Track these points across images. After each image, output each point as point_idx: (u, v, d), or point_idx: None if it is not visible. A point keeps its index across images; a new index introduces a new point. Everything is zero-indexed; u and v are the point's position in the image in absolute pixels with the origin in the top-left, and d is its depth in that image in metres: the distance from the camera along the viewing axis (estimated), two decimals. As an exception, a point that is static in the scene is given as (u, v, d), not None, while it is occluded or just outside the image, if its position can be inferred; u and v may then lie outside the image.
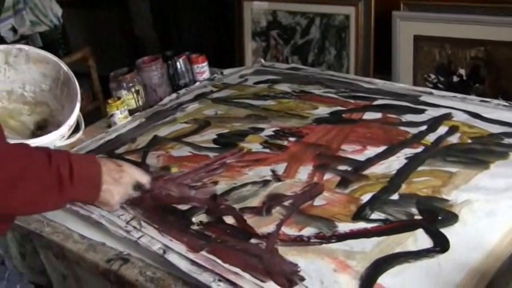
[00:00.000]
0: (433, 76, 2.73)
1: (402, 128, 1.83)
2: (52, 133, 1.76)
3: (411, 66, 2.79)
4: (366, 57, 2.92)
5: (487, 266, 1.20)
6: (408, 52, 2.77)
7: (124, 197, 1.40)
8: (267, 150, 1.82)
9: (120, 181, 1.37)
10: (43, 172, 1.17)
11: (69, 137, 1.87)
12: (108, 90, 2.38)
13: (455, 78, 2.66)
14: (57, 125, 1.81)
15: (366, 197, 1.50)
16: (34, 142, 1.65)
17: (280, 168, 1.70)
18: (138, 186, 1.44)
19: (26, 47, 1.88)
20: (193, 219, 1.51)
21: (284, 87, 2.34)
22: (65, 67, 1.89)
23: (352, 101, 2.10)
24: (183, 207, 1.58)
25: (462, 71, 2.64)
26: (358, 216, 1.43)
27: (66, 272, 1.59)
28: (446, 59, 2.67)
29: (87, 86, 3.74)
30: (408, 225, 1.37)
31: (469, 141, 1.70)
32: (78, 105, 1.83)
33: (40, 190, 1.17)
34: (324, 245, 1.35)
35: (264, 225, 1.45)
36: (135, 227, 1.50)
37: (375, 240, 1.34)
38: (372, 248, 1.31)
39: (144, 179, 1.46)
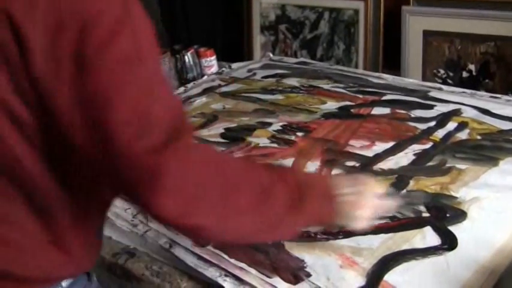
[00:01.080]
0: (442, 71, 2.71)
1: (411, 123, 1.83)
2: None
3: (420, 62, 2.78)
4: (374, 52, 2.91)
5: (496, 264, 1.19)
6: (417, 47, 2.76)
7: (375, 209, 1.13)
8: (275, 145, 1.82)
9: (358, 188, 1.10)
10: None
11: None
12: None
13: (464, 74, 2.65)
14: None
15: (373, 193, 1.49)
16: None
17: (288, 163, 1.69)
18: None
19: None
20: (200, 213, 1.51)
21: (292, 81, 2.34)
22: None
23: (360, 96, 2.09)
24: (190, 201, 1.57)
25: (472, 67, 2.62)
26: (365, 212, 1.42)
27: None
28: (456, 54, 2.65)
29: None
30: (416, 223, 1.36)
31: (478, 137, 1.70)
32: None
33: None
34: (330, 241, 1.34)
35: (271, 221, 1.44)
36: (141, 221, 1.50)
37: (382, 237, 1.33)
38: (379, 244, 1.30)
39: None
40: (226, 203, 0.93)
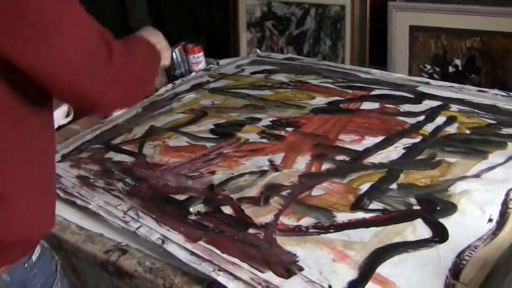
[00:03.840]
0: (428, 67, 2.73)
1: (400, 118, 1.83)
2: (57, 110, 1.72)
3: (407, 57, 2.79)
4: (361, 48, 2.92)
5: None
6: (404, 43, 2.77)
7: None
8: (264, 140, 1.82)
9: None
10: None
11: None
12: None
13: (450, 69, 2.66)
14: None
15: (364, 187, 1.50)
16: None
17: (278, 158, 1.70)
18: None
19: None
20: (191, 209, 1.51)
21: (281, 77, 2.33)
22: None
23: (349, 91, 2.09)
24: (181, 197, 1.57)
25: (458, 62, 2.64)
26: (356, 206, 1.43)
27: (64, 263, 1.58)
28: (442, 50, 2.67)
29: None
30: (407, 215, 1.37)
31: (467, 131, 1.70)
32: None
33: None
34: (322, 235, 1.34)
35: (262, 215, 1.44)
36: (132, 218, 1.49)
37: (373, 230, 1.33)
38: (371, 238, 1.31)
39: None
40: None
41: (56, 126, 1.72)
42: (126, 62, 1.15)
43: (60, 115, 1.74)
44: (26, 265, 1.15)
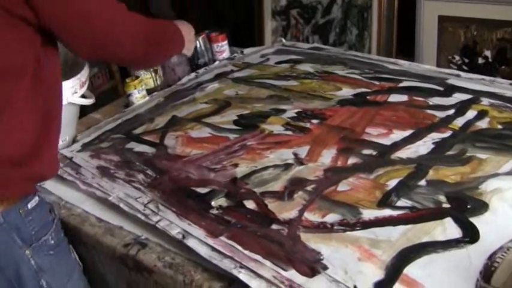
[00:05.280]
0: (457, 58, 2.68)
1: (429, 111, 1.78)
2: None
3: (435, 48, 2.75)
4: (388, 37, 2.87)
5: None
6: (432, 33, 2.73)
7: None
8: (289, 133, 1.78)
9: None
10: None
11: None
12: (125, 70, 2.34)
13: (480, 60, 2.62)
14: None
15: (391, 183, 1.45)
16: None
17: (303, 151, 1.66)
18: None
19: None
20: (213, 203, 1.48)
21: (306, 67, 2.29)
22: None
23: (377, 82, 2.04)
24: (202, 190, 1.54)
25: (488, 53, 2.59)
26: (383, 202, 1.39)
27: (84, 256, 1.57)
28: (472, 40, 2.62)
29: (104, 65, 3.71)
30: (436, 214, 1.32)
31: (499, 126, 1.65)
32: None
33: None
34: (348, 233, 1.31)
35: (286, 211, 1.41)
36: (153, 211, 1.47)
37: (401, 228, 1.29)
38: (398, 236, 1.27)
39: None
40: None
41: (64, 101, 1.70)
42: (136, 17, 1.43)
43: (66, 89, 1.69)
44: (20, 211, 1.27)
